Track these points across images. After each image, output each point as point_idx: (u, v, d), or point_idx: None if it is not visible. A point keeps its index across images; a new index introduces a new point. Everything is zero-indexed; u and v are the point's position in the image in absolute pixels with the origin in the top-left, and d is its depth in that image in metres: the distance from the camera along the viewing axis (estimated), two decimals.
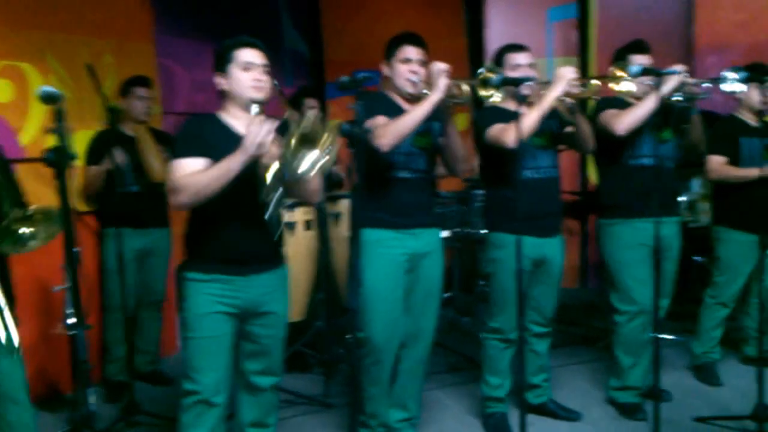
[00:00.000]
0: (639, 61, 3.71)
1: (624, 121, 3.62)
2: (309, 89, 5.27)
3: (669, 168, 3.87)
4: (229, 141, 2.67)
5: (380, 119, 3.17)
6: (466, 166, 3.49)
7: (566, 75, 3.37)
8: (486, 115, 3.59)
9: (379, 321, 3.32)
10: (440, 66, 3.09)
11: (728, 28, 5.88)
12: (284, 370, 4.46)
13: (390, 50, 3.34)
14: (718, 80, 3.72)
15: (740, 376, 4.25)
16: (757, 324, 4.38)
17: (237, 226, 2.79)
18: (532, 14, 6.59)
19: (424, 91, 3.17)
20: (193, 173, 2.65)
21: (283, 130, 2.62)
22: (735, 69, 3.73)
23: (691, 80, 3.64)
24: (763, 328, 3.65)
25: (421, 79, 3.24)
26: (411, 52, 3.30)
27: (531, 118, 3.32)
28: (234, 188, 2.63)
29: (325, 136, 2.59)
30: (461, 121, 3.86)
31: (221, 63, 2.81)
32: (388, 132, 3.08)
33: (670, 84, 3.54)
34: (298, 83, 6.04)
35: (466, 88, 3.22)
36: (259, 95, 2.78)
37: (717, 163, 4.26)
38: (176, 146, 2.77)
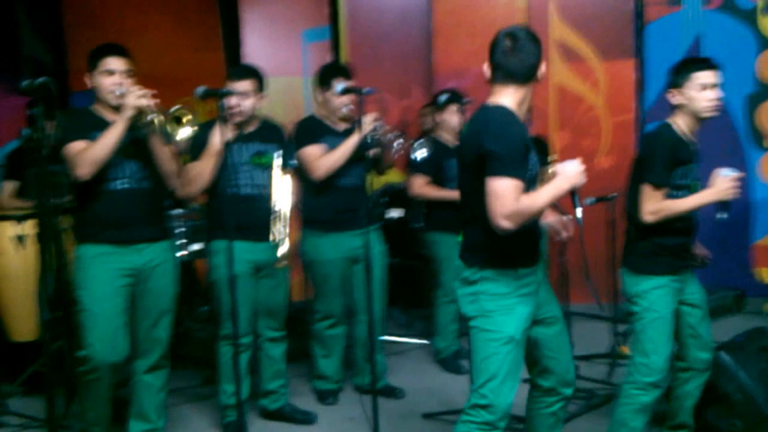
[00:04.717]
0: (341, 84, 3.99)
1: (323, 166, 3.98)
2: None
3: (361, 186, 4.14)
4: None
5: (78, 144, 3.20)
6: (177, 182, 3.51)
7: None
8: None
9: (97, 338, 3.31)
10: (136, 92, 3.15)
11: (463, 56, 6.38)
12: (21, 393, 4.28)
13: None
14: (412, 143, 4.44)
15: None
16: None
17: None
18: (288, 35, 6.70)
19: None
20: None
21: None
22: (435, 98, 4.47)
23: (386, 127, 4.07)
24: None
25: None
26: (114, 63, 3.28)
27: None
28: None
29: None
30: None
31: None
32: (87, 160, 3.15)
33: (366, 128, 3.91)
34: None
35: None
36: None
37: (418, 184, 4.69)
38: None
